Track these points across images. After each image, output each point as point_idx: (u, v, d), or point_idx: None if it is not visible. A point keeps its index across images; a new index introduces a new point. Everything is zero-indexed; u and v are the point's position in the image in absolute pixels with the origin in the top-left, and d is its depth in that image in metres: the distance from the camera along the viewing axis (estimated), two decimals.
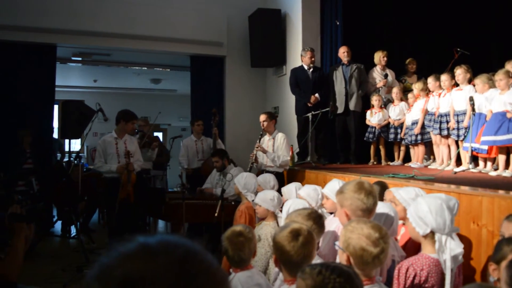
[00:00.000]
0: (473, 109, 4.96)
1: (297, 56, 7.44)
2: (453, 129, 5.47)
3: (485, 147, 4.84)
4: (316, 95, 6.75)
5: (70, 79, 11.72)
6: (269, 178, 4.60)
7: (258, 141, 5.91)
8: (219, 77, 8.76)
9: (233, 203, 5.24)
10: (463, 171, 5.07)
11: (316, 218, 2.66)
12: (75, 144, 8.90)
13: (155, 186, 7.08)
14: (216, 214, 4.62)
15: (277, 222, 3.52)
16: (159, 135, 13.46)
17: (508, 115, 4.60)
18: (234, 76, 8.70)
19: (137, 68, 10.63)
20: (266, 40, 8.02)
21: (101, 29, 7.67)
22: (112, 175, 5.59)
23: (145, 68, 10.55)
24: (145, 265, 0.67)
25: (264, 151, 5.83)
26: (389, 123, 6.63)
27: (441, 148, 5.82)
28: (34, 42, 7.49)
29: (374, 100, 6.66)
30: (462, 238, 3.07)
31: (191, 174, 7.04)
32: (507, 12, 7.76)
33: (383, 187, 3.51)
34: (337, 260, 2.34)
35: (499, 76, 4.76)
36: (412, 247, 2.77)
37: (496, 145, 4.74)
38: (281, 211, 3.52)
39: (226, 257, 2.59)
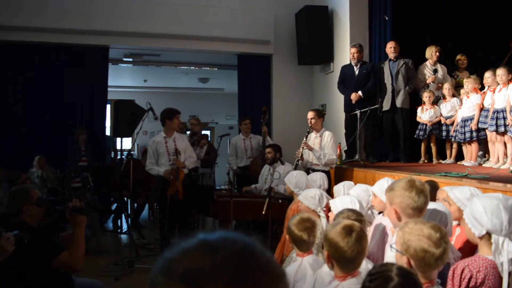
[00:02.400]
0: None
1: (345, 53, 7.36)
2: (510, 125, 5.24)
3: None
4: (359, 92, 6.65)
5: (121, 80, 12.13)
6: (316, 177, 4.57)
7: (304, 139, 5.89)
8: (266, 75, 8.80)
9: (280, 200, 5.25)
10: None
11: (356, 220, 2.63)
12: (127, 143, 9.20)
13: (204, 184, 7.20)
14: (263, 212, 4.65)
15: (320, 222, 3.49)
16: (207, 133, 13.69)
17: None
18: (281, 74, 8.71)
19: (185, 67, 10.83)
20: (313, 37, 7.97)
21: (151, 30, 7.89)
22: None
23: (193, 67, 10.74)
24: (204, 259, 0.71)
25: (311, 149, 5.80)
26: (440, 120, 6.43)
27: (496, 146, 5.58)
28: (88, 44, 7.82)
29: (425, 96, 6.47)
30: None
31: (240, 171, 7.11)
32: None
33: (434, 186, 3.41)
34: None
35: None
36: (469, 249, 2.68)
37: None
38: (324, 210, 3.51)
39: (293, 242, 2.80)
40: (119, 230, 7.66)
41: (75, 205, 2.94)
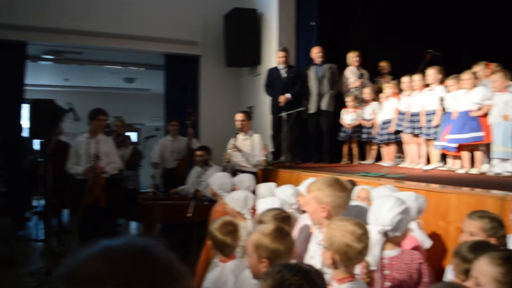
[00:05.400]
0: (443, 109, 5.12)
1: (272, 56, 7.46)
2: (424, 128, 5.58)
3: (455, 145, 4.97)
4: (287, 95, 6.78)
5: (40, 78, 11.46)
6: (246, 178, 4.57)
7: (233, 141, 5.90)
8: (194, 77, 8.71)
9: (206, 203, 5.20)
10: (433, 169, 5.19)
11: (283, 219, 2.67)
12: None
13: (127, 187, 6.98)
14: (189, 215, 4.59)
15: (246, 224, 3.50)
16: (133, 135, 13.30)
17: (472, 114, 4.75)
18: (209, 76, 8.67)
19: (110, 66, 10.45)
20: (241, 40, 8.02)
21: (73, 26, 7.52)
22: (83, 177, 5.46)
23: (119, 67, 10.40)
24: (104, 262, 0.73)
25: (240, 151, 5.82)
26: (361, 123, 6.71)
27: (411, 147, 5.94)
28: (2, 39, 7.29)
29: (349, 100, 6.73)
30: (431, 235, 3.13)
31: (165, 174, 6.99)
32: (477, 16, 7.96)
33: (353, 185, 3.55)
34: (313, 259, 2.37)
35: (466, 76, 4.91)
36: None
37: (461, 143, 4.88)
38: (250, 211, 3.51)
39: (216, 247, 2.74)
40: (35, 238, 7.20)
41: None
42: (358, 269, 2.18)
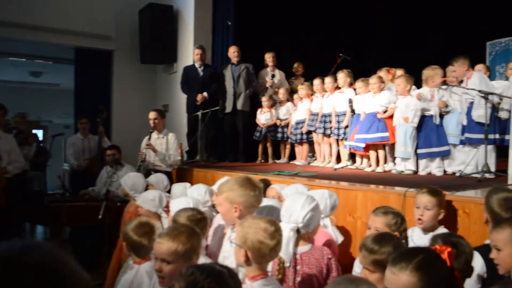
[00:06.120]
0: (352, 110, 5.40)
1: (188, 54, 7.39)
2: (334, 128, 5.84)
3: (362, 145, 5.25)
4: (204, 93, 6.76)
5: None
6: (162, 178, 4.50)
7: (147, 140, 5.75)
8: (107, 72, 8.40)
9: (118, 204, 5.02)
10: (342, 167, 5.45)
11: (198, 221, 2.65)
12: None
13: (32, 188, 6.54)
14: (100, 216, 4.42)
15: (161, 223, 3.44)
16: (39, 132, 12.49)
17: (378, 116, 5.07)
18: (123, 72, 8.39)
19: (14, 59, 9.73)
20: (156, 36, 7.83)
21: None
22: None
23: (24, 59, 9.72)
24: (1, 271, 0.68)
25: (155, 150, 5.69)
26: (276, 122, 6.86)
27: (322, 147, 6.19)
28: None
29: (264, 100, 6.85)
30: (341, 230, 3.28)
31: (74, 174, 6.65)
32: (385, 22, 8.50)
33: (267, 184, 3.62)
34: (228, 259, 2.37)
35: (373, 80, 5.23)
36: None
37: (367, 143, 5.18)
38: (165, 210, 3.46)
39: (131, 248, 2.67)
40: None
41: None
42: (271, 267, 2.23)
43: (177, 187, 3.98)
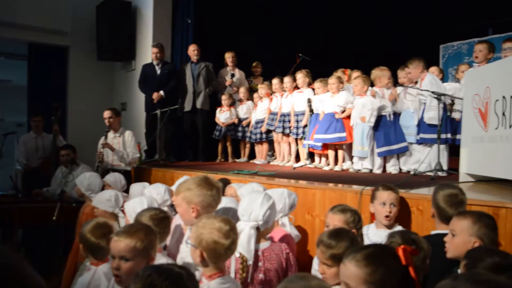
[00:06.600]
0: (311, 110, 5.47)
1: (147, 51, 7.28)
2: (293, 128, 5.90)
3: (320, 144, 5.34)
4: (161, 92, 6.68)
5: None
6: (120, 177, 4.42)
7: (104, 139, 5.63)
8: (62, 69, 8.14)
9: (74, 204, 4.89)
10: (301, 166, 5.52)
11: (161, 220, 2.62)
12: None
13: None
14: (54, 218, 4.28)
15: (118, 223, 3.37)
16: None
17: (336, 116, 5.16)
18: (79, 69, 8.16)
19: None
20: (114, 33, 7.68)
21: None
22: None
23: None
24: None
25: (112, 149, 5.57)
26: (235, 121, 6.86)
27: (282, 146, 6.24)
28: None
29: (223, 99, 6.84)
30: (299, 229, 3.32)
31: (27, 174, 6.41)
32: (344, 24, 8.68)
33: (226, 183, 3.62)
34: (186, 259, 2.35)
35: (332, 80, 5.32)
36: None
37: (326, 143, 5.26)
38: (122, 210, 3.39)
39: (88, 250, 2.60)
40: None
41: None
42: (234, 266, 2.24)
43: (135, 187, 3.91)
